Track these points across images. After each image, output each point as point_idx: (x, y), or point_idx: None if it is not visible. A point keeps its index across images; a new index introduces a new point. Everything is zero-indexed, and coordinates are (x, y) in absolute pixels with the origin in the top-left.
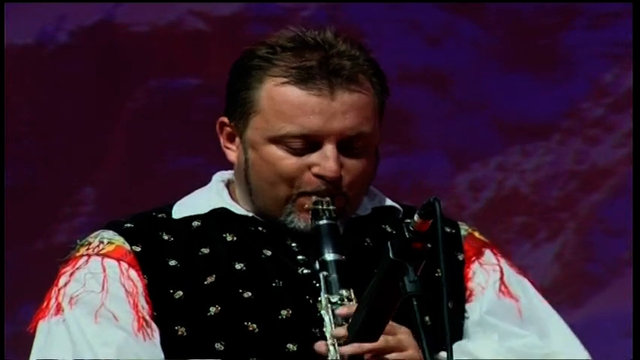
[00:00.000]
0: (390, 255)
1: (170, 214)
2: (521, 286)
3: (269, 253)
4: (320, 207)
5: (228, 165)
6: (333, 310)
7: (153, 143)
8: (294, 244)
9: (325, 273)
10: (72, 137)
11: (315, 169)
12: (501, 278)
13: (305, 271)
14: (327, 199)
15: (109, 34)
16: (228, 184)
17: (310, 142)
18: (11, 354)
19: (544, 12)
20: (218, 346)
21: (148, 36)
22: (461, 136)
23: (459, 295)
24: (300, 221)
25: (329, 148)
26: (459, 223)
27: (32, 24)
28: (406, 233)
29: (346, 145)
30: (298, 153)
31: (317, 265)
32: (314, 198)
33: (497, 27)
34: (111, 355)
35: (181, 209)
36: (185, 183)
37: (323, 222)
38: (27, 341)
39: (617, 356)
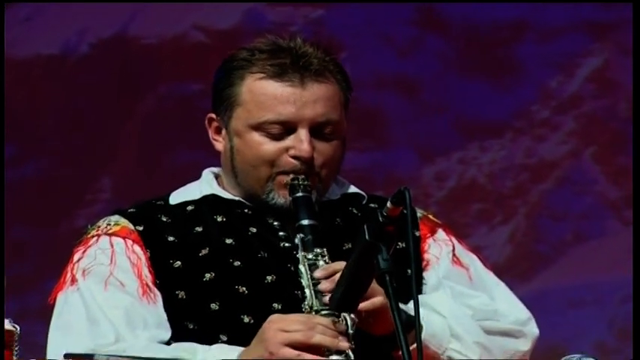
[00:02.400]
0: (366, 237)
1: (167, 201)
2: (470, 258)
3: (254, 230)
4: (296, 182)
5: (220, 158)
6: (309, 265)
7: (161, 140)
8: (276, 223)
9: (302, 235)
10: (91, 135)
11: (292, 152)
12: (453, 251)
13: (286, 244)
14: (303, 176)
15: (124, 45)
16: (217, 177)
17: (286, 128)
18: (39, 322)
19: (499, 27)
20: (213, 306)
21: (157, 47)
22: (427, 134)
23: (418, 265)
24: (280, 197)
25: (302, 133)
26: (416, 208)
27: (57, 37)
28: (380, 218)
29: (317, 131)
30: (276, 138)
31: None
32: (291, 176)
33: (458, 40)
34: (120, 317)
35: (177, 197)
36: (188, 174)
37: (299, 194)
38: (52, 311)
39: (562, 324)
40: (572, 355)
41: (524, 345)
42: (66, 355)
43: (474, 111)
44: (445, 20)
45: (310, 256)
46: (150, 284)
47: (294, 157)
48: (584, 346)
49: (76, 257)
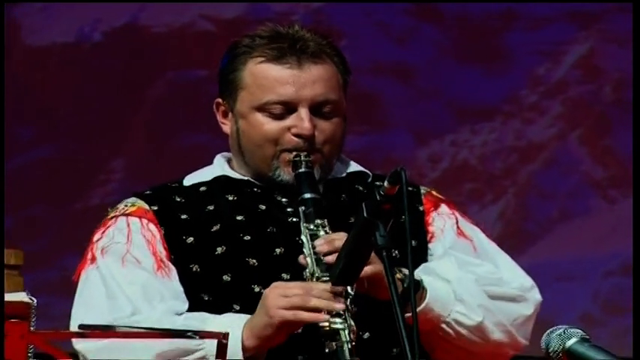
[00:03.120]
0: (364, 214)
1: (182, 183)
2: (473, 230)
3: (263, 207)
4: (299, 159)
5: (226, 141)
6: (310, 235)
7: (170, 123)
8: (283, 199)
9: (304, 208)
10: (104, 118)
11: (294, 130)
12: (457, 223)
13: (293, 219)
14: (305, 153)
15: (135, 34)
16: (228, 160)
17: (288, 108)
18: (55, 295)
19: (490, 17)
20: (226, 277)
21: (166, 36)
22: (422, 117)
23: (422, 237)
24: (285, 174)
25: (303, 112)
26: (420, 186)
27: (72, 26)
28: (377, 196)
29: (317, 110)
30: (278, 117)
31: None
32: (294, 153)
33: (452, 29)
34: (137, 292)
35: (190, 179)
36: (195, 155)
37: (302, 170)
38: (70, 285)
39: (549, 297)
40: (559, 327)
41: (527, 309)
42: (80, 326)
43: (466, 96)
44: (440, 10)
45: (312, 226)
46: (164, 260)
47: (296, 135)
48: (570, 318)
49: (95, 238)
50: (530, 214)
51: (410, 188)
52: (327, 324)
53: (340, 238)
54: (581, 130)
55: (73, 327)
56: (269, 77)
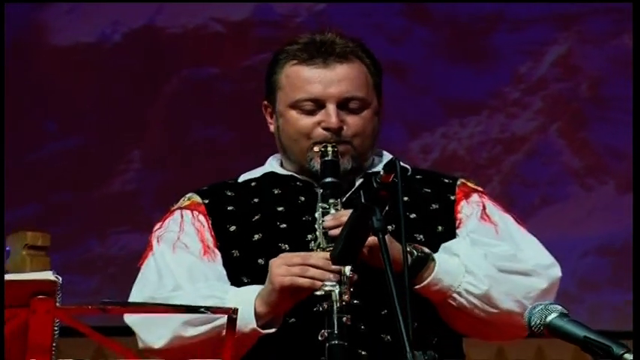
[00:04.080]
0: (362, 200)
1: (237, 180)
2: (502, 217)
3: (303, 199)
4: (325, 149)
5: (236, 134)
6: (322, 212)
7: (184, 117)
8: (323, 192)
9: (321, 190)
10: (124, 112)
11: (322, 124)
12: (483, 209)
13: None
14: (333, 143)
15: (151, 35)
16: (279, 160)
17: (317, 104)
18: (78, 274)
19: (477, 19)
20: (260, 261)
21: (180, 36)
22: (414, 112)
23: (451, 224)
24: (317, 164)
25: (330, 108)
26: (458, 178)
27: (94, 27)
28: (374, 184)
29: (344, 105)
30: (309, 113)
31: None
32: (323, 144)
33: (442, 30)
34: (182, 272)
35: (244, 176)
36: (206, 146)
37: (327, 158)
38: (92, 265)
39: None
40: (541, 303)
41: (541, 283)
42: (101, 302)
43: (455, 92)
44: (431, 13)
45: (325, 205)
46: (211, 246)
47: (325, 129)
48: None
49: (155, 228)
50: (513, 200)
51: (446, 180)
52: (321, 291)
53: (346, 215)
54: (559, 123)
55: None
56: (300, 77)
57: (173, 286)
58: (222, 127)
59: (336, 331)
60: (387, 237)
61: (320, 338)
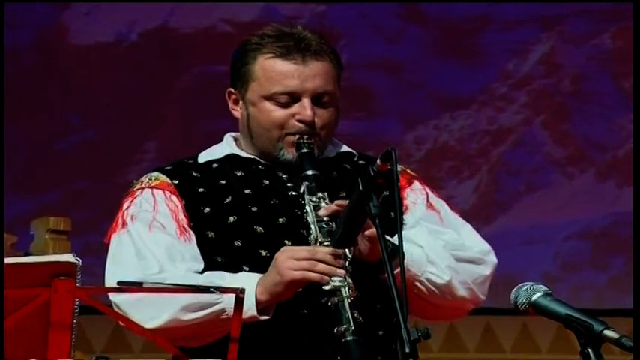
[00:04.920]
0: (360, 187)
1: (196, 160)
2: (440, 204)
3: (267, 182)
4: (302, 141)
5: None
6: (313, 206)
7: (195, 111)
8: (284, 176)
9: (306, 183)
10: (139, 107)
11: (297, 117)
12: (427, 198)
13: (293, 193)
14: (307, 136)
15: (165, 35)
16: (235, 139)
17: (292, 98)
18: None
19: (468, 20)
20: (237, 243)
21: (192, 36)
22: (409, 106)
23: (400, 211)
24: (288, 154)
25: (306, 101)
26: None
27: (111, 28)
28: (372, 172)
29: (317, 99)
30: (284, 106)
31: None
32: (297, 136)
33: (435, 31)
34: (162, 252)
35: (204, 156)
36: (216, 138)
37: (304, 150)
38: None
39: (517, 258)
40: (526, 283)
41: (486, 270)
42: (119, 282)
43: (446, 87)
44: (424, 14)
45: (314, 199)
46: (185, 226)
47: (299, 121)
48: (534, 275)
49: (125, 206)
50: (500, 187)
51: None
52: (328, 285)
53: (340, 206)
54: (543, 116)
55: (108, 282)
56: (277, 71)
57: (159, 267)
58: (229, 121)
59: (352, 327)
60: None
61: (335, 333)
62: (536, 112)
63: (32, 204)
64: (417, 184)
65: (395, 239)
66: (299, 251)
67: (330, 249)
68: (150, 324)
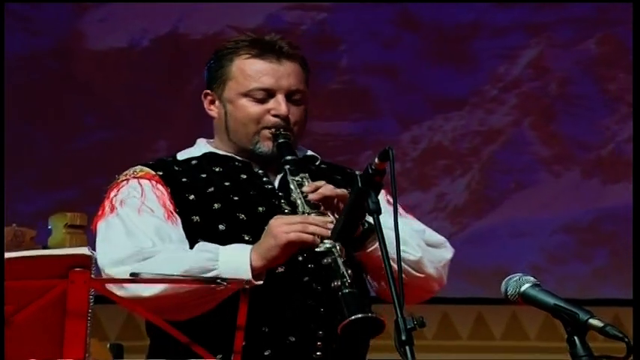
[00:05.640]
0: (359, 184)
1: (175, 157)
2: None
3: (244, 176)
4: (279, 132)
5: None
6: (297, 184)
7: (203, 112)
8: (260, 171)
9: (288, 166)
10: (151, 108)
11: (273, 111)
12: (385, 196)
13: (269, 186)
14: (282, 128)
15: (175, 40)
16: (208, 143)
17: (268, 94)
18: None
19: (460, 27)
20: (221, 227)
21: (200, 42)
22: (405, 107)
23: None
24: (264, 147)
25: (280, 97)
26: (355, 171)
27: (125, 34)
28: (370, 170)
29: (290, 96)
30: (260, 102)
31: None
32: (273, 129)
33: (429, 36)
34: (152, 232)
35: (183, 155)
36: None
37: (282, 140)
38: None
39: (506, 250)
40: (515, 274)
41: (447, 254)
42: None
43: (440, 90)
44: (419, 21)
45: (297, 178)
46: (172, 211)
47: (275, 116)
48: (522, 267)
49: (112, 194)
50: (491, 184)
51: (348, 170)
52: (321, 246)
53: (322, 185)
54: (532, 117)
55: (101, 262)
56: (253, 69)
57: (152, 243)
58: None
59: (348, 280)
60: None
61: (332, 287)
62: (524, 113)
63: (50, 200)
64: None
65: (370, 219)
66: (291, 217)
67: (320, 216)
68: (147, 292)
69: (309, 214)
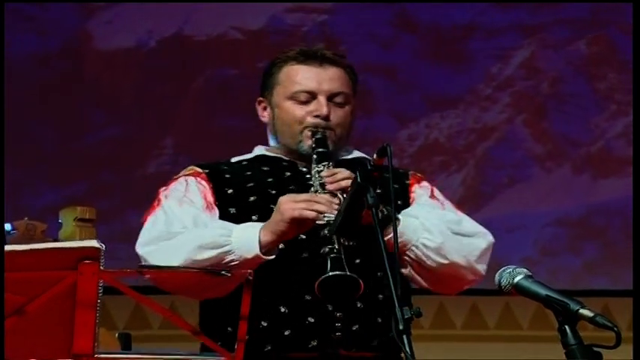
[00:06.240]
0: (358, 179)
1: (229, 160)
2: (444, 198)
3: (289, 174)
4: (316, 130)
5: (251, 124)
6: (317, 170)
7: (208, 109)
8: (304, 169)
9: (315, 156)
10: (158, 106)
11: (314, 112)
12: (432, 191)
13: (309, 182)
14: (322, 127)
15: (181, 41)
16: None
17: (311, 96)
18: (120, 243)
19: (456, 28)
20: (254, 217)
21: (205, 42)
22: (403, 106)
23: (406, 200)
24: (305, 145)
25: (322, 99)
26: (409, 170)
27: (132, 35)
28: (368, 166)
29: (332, 98)
30: (304, 103)
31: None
32: (314, 128)
33: (426, 37)
34: (189, 220)
35: (236, 158)
36: (228, 134)
37: (318, 136)
38: (130, 234)
39: (500, 244)
40: (509, 266)
41: (481, 244)
42: (139, 266)
43: (436, 89)
44: (416, 23)
45: (320, 166)
46: (211, 203)
47: (316, 116)
48: (515, 260)
49: (161, 190)
50: (485, 180)
51: (401, 170)
52: (323, 220)
53: (340, 171)
54: (524, 115)
55: (136, 245)
56: (298, 74)
57: (182, 227)
58: (239, 118)
59: (336, 247)
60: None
61: (321, 252)
62: (517, 111)
63: (60, 195)
64: (425, 182)
65: (389, 209)
66: (299, 195)
67: (326, 195)
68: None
69: (318, 192)
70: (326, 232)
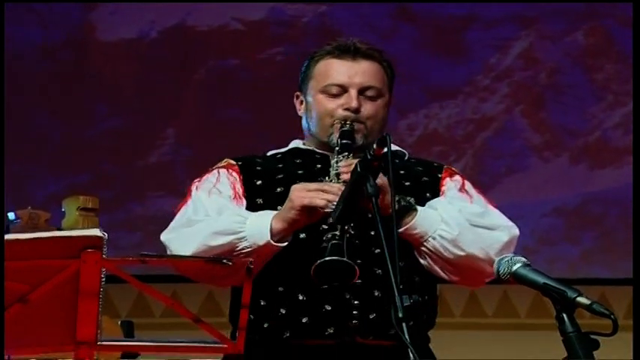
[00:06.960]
0: (358, 169)
1: (265, 154)
2: (476, 193)
3: (319, 166)
4: (344, 122)
5: (252, 114)
6: (336, 161)
7: (209, 100)
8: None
9: (337, 148)
10: (160, 97)
11: (345, 105)
12: (462, 185)
13: None
14: (351, 120)
15: (183, 32)
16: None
17: (342, 89)
18: (121, 232)
19: (455, 19)
20: (279, 207)
21: (207, 33)
22: (402, 96)
23: (436, 192)
24: (335, 138)
25: (352, 92)
26: (444, 164)
27: (134, 26)
28: (368, 156)
29: (364, 92)
30: (335, 96)
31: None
32: (343, 121)
33: (425, 29)
34: (214, 209)
35: (272, 151)
36: (229, 124)
37: (345, 128)
38: (133, 223)
39: None
40: (507, 255)
41: (503, 237)
42: (142, 254)
43: (435, 80)
44: (415, 14)
45: (340, 157)
46: (240, 194)
47: (346, 109)
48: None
49: (194, 182)
50: (484, 169)
51: (435, 164)
52: (330, 209)
53: (356, 162)
54: (522, 106)
55: (168, 228)
56: (331, 68)
57: (205, 215)
58: (241, 109)
59: (338, 233)
60: (384, 188)
61: (324, 239)
62: (516, 102)
63: (64, 184)
64: (457, 177)
65: (410, 200)
66: (310, 184)
67: (335, 185)
68: (185, 251)
69: (331, 181)
70: (330, 219)
